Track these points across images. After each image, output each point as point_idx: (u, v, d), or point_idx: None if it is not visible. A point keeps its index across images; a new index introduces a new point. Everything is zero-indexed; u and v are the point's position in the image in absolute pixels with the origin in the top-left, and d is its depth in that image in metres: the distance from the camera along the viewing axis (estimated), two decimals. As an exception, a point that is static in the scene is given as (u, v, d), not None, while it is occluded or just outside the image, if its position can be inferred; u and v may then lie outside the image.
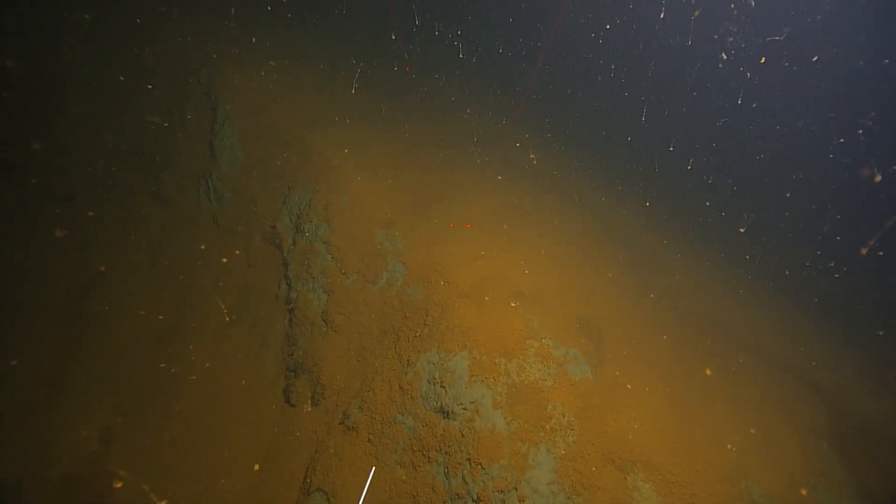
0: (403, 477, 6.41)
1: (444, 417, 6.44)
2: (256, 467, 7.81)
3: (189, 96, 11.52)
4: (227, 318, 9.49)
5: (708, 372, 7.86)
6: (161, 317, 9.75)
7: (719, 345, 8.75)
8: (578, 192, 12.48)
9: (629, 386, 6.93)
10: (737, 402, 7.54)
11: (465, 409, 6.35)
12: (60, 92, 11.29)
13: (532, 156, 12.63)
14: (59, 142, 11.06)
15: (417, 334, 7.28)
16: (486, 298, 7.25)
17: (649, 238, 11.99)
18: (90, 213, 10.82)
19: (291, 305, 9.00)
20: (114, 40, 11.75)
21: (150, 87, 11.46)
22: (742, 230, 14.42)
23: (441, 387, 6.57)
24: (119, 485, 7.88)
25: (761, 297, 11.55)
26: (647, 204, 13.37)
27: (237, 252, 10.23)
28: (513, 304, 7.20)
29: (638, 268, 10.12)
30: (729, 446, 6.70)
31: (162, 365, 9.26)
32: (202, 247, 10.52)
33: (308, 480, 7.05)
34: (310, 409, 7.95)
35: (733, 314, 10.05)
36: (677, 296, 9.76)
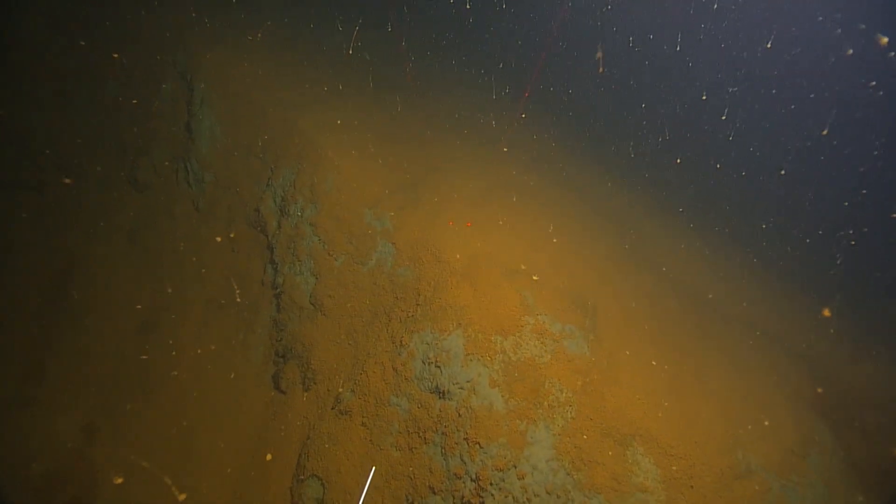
0: (399, 459, 6.26)
1: (440, 398, 6.28)
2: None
3: (162, 73, 10.96)
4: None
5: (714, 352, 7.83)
6: (139, 306, 9.39)
7: (720, 319, 8.71)
8: (583, 164, 12.15)
9: (626, 361, 6.85)
10: (734, 375, 7.54)
11: (461, 388, 6.20)
12: (23, 72, 10.67)
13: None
14: (24, 126, 10.49)
15: (410, 314, 7.08)
16: (480, 276, 7.07)
17: (661, 209, 11.74)
18: (62, 201, 10.32)
19: (278, 290, 8.71)
20: (79, 13, 11.09)
21: (116, 55, 10.83)
22: (783, 172, 13.61)
23: (436, 367, 6.40)
24: (119, 480, 7.55)
25: (772, 271, 11.35)
26: (679, 161, 12.69)
27: (219, 237, 9.86)
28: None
29: (645, 242, 9.94)
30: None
31: (143, 357, 8.93)
32: (182, 233, 10.12)
33: (302, 466, 6.86)
34: (301, 394, 7.73)
35: (739, 289, 9.94)
36: (683, 271, 9.59)
